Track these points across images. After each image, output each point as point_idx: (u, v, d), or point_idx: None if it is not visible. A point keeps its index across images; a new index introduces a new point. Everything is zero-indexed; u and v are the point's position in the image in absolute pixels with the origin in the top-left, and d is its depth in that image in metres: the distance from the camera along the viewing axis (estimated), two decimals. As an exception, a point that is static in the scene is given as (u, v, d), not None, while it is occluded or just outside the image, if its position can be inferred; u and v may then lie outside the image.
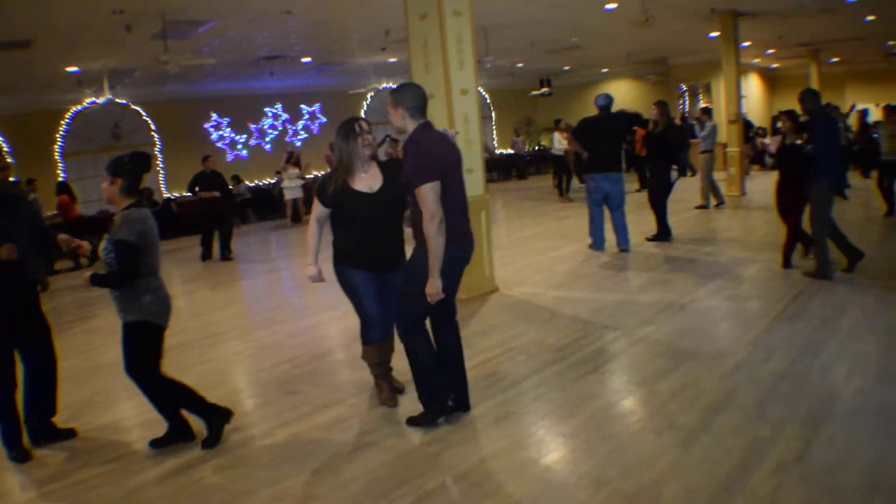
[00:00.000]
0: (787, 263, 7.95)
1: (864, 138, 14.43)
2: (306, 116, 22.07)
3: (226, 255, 12.37)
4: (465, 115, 7.48)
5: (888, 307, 6.38)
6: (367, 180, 4.43)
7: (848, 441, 3.91)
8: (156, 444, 4.42)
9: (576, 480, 3.69)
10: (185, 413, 4.47)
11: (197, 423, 4.50)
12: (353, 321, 6.97)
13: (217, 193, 12.30)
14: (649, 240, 10.07)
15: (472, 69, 7.54)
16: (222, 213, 12.53)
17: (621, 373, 5.25)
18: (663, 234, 10.10)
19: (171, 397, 4.41)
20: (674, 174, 9.74)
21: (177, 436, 4.42)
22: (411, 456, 4.11)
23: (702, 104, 23.15)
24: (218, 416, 4.45)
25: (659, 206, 10.04)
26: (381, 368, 4.85)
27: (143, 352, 4.29)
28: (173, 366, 6.11)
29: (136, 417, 5.03)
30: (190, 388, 4.44)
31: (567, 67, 24.37)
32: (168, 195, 18.55)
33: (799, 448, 3.84)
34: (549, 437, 4.23)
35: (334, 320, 7.38)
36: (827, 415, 4.25)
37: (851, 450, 3.80)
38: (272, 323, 7.59)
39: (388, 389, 4.85)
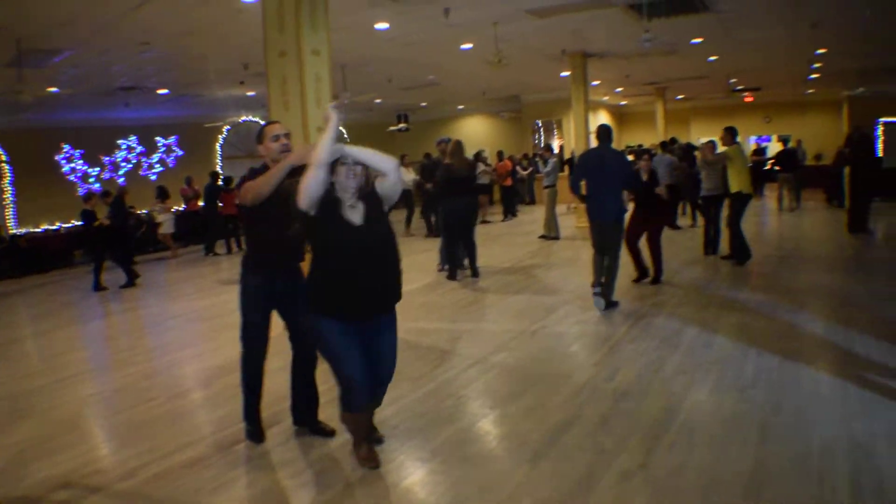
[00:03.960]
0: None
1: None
2: (162, 149, 21.61)
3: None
4: (321, 153, 7.62)
5: (722, 327, 7.03)
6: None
7: (687, 447, 4.31)
8: None
9: (434, 501, 3.87)
10: None
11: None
12: (211, 360, 7.07)
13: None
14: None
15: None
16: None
17: (476, 398, 5.48)
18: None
19: None
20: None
21: None
22: (276, 489, 4.16)
23: (556, 140, 24.31)
24: None
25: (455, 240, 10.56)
26: (365, 432, 4.42)
27: None
28: (23, 411, 5.97)
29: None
30: None
31: (424, 104, 25.01)
32: (15, 231, 17.66)
33: (641, 457, 4.20)
34: (409, 462, 4.38)
35: (192, 358, 7.34)
36: (667, 425, 4.65)
37: (690, 454, 4.20)
38: (127, 364, 7.40)
39: (367, 449, 4.37)
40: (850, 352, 6.11)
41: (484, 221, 18.08)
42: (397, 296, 4.09)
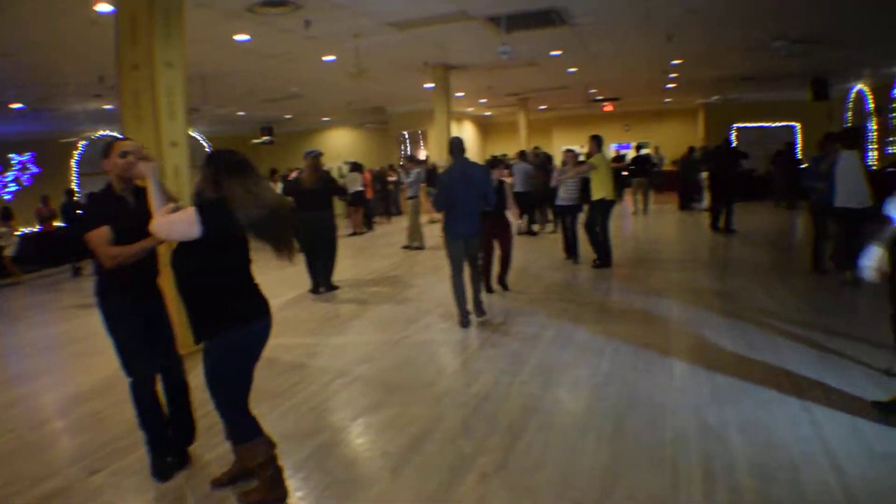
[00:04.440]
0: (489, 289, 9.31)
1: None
2: (17, 166, 20.53)
3: None
4: (175, 168, 7.42)
5: (580, 327, 7.34)
6: None
7: (544, 445, 4.47)
8: None
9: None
10: None
11: None
12: (68, 388, 6.78)
13: None
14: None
15: (183, 121, 7.54)
16: None
17: (338, 410, 5.46)
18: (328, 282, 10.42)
19: None
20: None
21: None
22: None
23: (423, 151, 24.57)
24: None
25: (316, 255, 10.29)
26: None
27: None
28: None
29: None
30: None
31: (289, 115, 24.80)
32: None
33: (500, 457, 4.32)
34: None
35: (49, 387, 6.92)
36: (525, 425, 4.80)
37: (547, 453, 4.36)
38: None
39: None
40: (702, 343, 6.54)
41: (354, 233, 18.12)
42: (196, 332, 3.81)
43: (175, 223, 3.65)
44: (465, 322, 7.72)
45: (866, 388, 5.20)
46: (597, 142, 10.98)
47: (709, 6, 10.91)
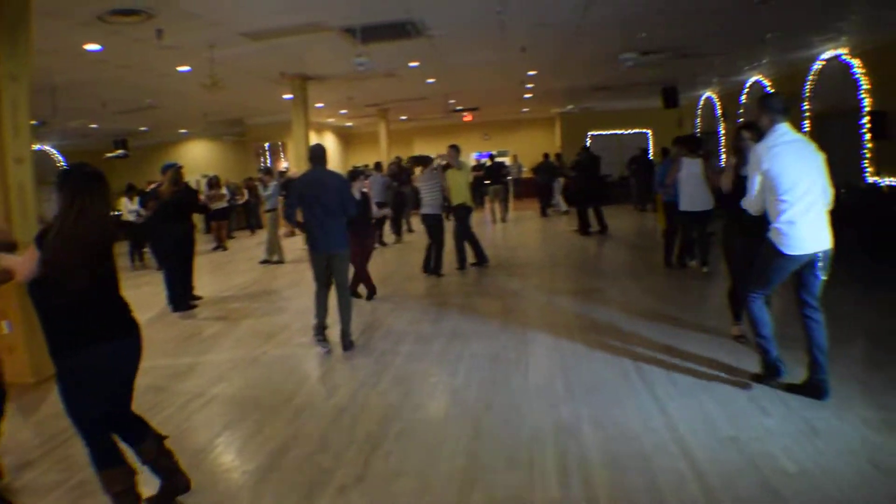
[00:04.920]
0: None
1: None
2: None
3: None
4: (20, 185, 7.07)
5: (437, 335, 7.49)
6: None
7: (403, 453, 4.55)
8: None
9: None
10: None
11: None
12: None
13: None
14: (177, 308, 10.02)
15: (28, 136, 7.19)
16: None
17: (195, 432, 5.33)
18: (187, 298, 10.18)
19: None
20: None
21: None
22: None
23: (284, 163, 24.29)
24: None
25: (175, 270, 10.07)
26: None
27: None
28: None
29: None
30: None
31: (145, 128, 23.96)
32: None
33: (359, 469, 4.37)
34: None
35: None
36: (384, 435, 4.87)
37: (406, 460, 4.44)
38: None
39: None
40: (557, 342, 6.86)
41: (218, 247, 17.85)
42: (50, 354, 3.74)
43: (26, 266, 3.62)
44: (319, 335, 7.42)
45: (710, 372, 5.65)
46: (455, 151, 11.25)
47: (558, 20, 11.30)
